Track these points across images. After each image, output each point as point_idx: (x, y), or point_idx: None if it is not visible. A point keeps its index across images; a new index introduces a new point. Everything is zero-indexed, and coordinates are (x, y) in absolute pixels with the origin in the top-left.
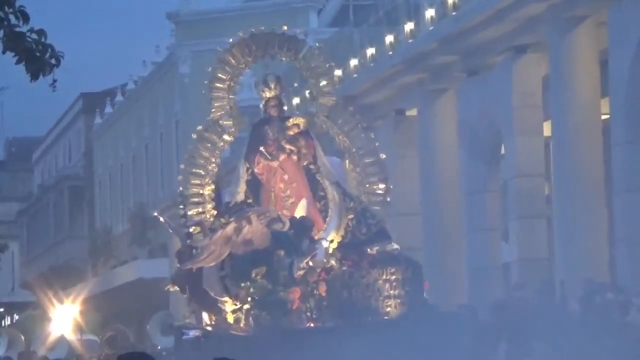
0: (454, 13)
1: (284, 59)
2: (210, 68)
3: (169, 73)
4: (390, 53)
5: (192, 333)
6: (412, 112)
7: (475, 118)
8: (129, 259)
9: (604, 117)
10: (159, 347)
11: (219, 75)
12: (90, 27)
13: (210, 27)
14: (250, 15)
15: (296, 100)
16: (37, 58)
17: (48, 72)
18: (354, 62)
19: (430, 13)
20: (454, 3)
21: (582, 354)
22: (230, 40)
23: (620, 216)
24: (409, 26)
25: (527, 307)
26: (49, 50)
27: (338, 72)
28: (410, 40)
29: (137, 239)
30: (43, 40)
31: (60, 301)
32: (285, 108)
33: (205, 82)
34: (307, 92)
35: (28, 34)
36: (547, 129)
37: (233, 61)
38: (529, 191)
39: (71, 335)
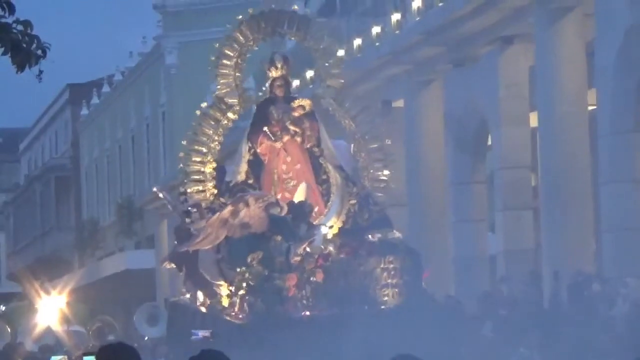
0: (440, 4)
1: (292, 38)
2: (213, 57)
3: (156, 64)
4: (377, 44)
5: (201, 334)
6: (399, 103)
7: (461, 109)
8: (116, 250)
9: (590, 108)
10: (145, 338)
11: (226, 51)
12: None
13: (197, 18)
14: (237, 7)
15: (296, 82)
16: (23, 49)
17: (34, 64)
18: (340, 52)
19: (417, 4)
20: None
21: (570, 346)
22: (240, 17)
23: (606, 207)
24: (395, 17)
25: (513, 299)
26: (35, 41)
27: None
28: (397, 32)
29: (124, 230)
30: (29, 31)
31: (47, 292)
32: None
33: (212, 58)
34: (307, 74)
35: (14, 25)
36: (533, 120)
37: (242, 38)
38: (515, 182)
39: (58, 327)
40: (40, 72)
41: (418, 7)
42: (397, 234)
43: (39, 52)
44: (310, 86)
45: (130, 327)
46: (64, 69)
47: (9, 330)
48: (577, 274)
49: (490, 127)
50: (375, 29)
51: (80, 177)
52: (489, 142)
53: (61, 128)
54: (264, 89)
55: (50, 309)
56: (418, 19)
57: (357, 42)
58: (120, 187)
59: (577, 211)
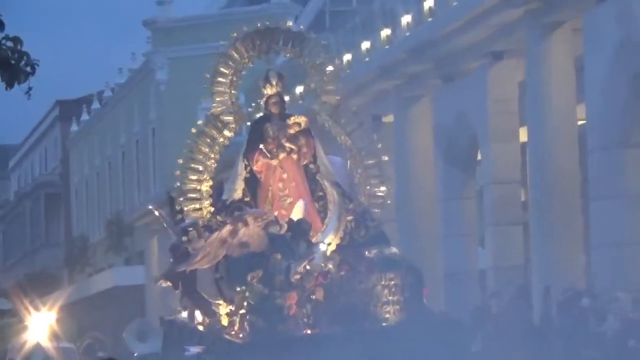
0: (429, 19)
1: (288, 55)
2: (212, 68)
3: (145, 80)
4: (367, 59)
5: (193, 350)
6: (389, 119)
7: (451, 124)
8: (106, 267)
9: (580, 123)
10: (135, 355)
11: (222, 69)
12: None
13: (187, 34)
14: (227, 22)
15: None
16: (12, 66)
17: (23, 80)
18: (330, 68)
19: (406, 19)
20: (430, 9)
21: None
22: (235, 34)
23: (596, 222)
24: (385, 32)
25: (503, 314)
26: (25, 58)
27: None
28: (386, 47)
29: (114, 247)
30: (18, 47)
31: (37, 309)
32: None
33: (208, 75)
34: (297, 90)
35: (3, 41)
36: (523, 135)
37: (236, 55)
38: (505, 197)
39: (47, 343)
40: (30, 88)
41: (407, 23)
42: (394, 250)
43: (28, 68)
44: (300, 102)
45: (120, 343)
46: (54, 85)
47: None
48: (567, 290)
49: (480, 142)
50: (365, 45)
51: (70, 193)
52: (479, 158)
53: (51, 145)
54: (253, 104)
55: (40, 325)
56: (407, 34)
57: (347, 57)
58: (110, 204)
59: (566, 226)
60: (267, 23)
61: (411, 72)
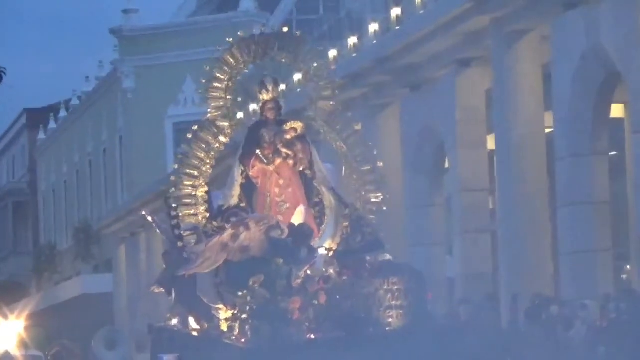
0: (396, 28)
1: (284, 60)
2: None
3: (113, 88)
4: (333, 67)
5: (167, 358)
6: (358, 127)
7: (418, 132)
8: (74, 275)
9: (547, 130)
10: None
11: (217, 74)
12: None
13: (154, 43)
14: (193, 31)
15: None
16: None
17: None
18: (297, 76)
19: (373, 27)
20: (397, 17)
21: None
22: (230, 39)
23: (564, 229)
24: (352, 40)
25: (470, 323)
26: None
27: (282, 86)
28: (353, 55)
29: (82, 255)
30: None
31: (5, 317)
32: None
33: (203, 80)
34: (295, 77)
35: None
36: (490, 143)
37: (232, 61)
38: (473, 205)
39: (16, 351)
40: None
41: (374, 31)
42: (388, 257)
43: None
44: (299, 89)
45: (89, 351)
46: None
47: None
48: (535, 297)
49: (448, 149)
50: (332, 53)
51: (38, 201)
52: (447, 165)
53: (18, 153)
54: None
55: (8, 333)
56: (374, 42)
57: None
58: (78, 212)
59: (534, 234)
60: (240, 33)
61: (378, 80)
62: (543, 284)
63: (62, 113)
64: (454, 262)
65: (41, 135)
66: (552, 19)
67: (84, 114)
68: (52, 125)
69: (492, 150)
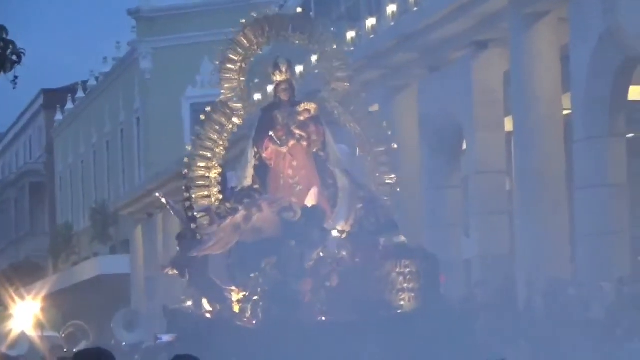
0: (415, 9)
1: (297, 41)
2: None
3: (130, 69)
4: (352, 49)
5: (166, 338)
6: (374, 108)
7: (436, 114)
8: (91, 256)
9: (565, 112)
10: (123, 344)
11: (230, 56)
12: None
13: (171, 24)
14: (211, 12)
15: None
16: None
17: (9, 69)
18: (314, 57)
19: (391, 9)
20: None
21: (546, 352)
22: (243, 21)
23: (581, 212)
24: (370, 22)
25: (487, 305)
26: (10, 46)
27: (300, 68)
28: (371, 36)
29: (99, 236)
30: (4, 36)
31: (22, 298)
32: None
33: (217, 62)
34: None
35: None
36: (508, 125)
37: (245, 42)
38: (490, 187)
39: (32, 332)
40: (15, 77)
41: (393, 12)
42: (403, 238)
43: (14, 57)
44: (316, 71)
45: (104, 332)
46: (39, 74)
47: None
48: (551, 279)
49: (465, 131)
50: (350, 34)
51: (55, 182)
52: (464, 147)
53: (35, 133)
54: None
55: (25, 314)
56: (392, 23)
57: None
58: (95, 193)
59: (552, 216)
60: (253, 14)
61: (396, 61)
62: (560, 266)
63: (80, 94)
64: (470, 243)
65: (58, 116)
66: (569, 0)
67: (101, 94)
68: (69, 106)
69: (509, 132)
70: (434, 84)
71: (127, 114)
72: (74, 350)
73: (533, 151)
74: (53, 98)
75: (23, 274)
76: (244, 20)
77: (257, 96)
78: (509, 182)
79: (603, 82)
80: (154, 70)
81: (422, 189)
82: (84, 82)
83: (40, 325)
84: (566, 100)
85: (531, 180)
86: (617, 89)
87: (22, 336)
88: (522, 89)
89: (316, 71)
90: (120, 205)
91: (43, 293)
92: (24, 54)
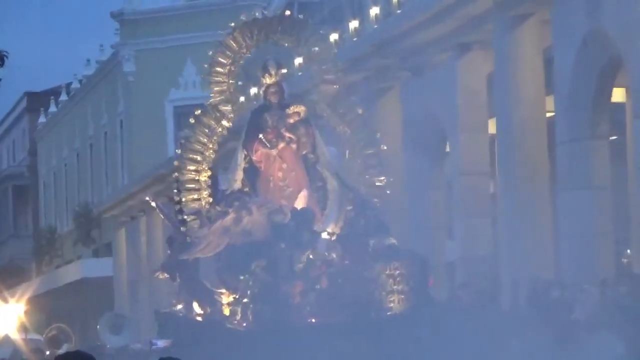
0: (398, 11)
1: (286, 44)
2: (210, 53)
3: (113, 72)
4: (335, 51)
5: (161, 343)
6: (359, 111)
7: (419, 116)
8: (74, 258)
9: (548, 114)
10: (107, 346)
11: (220, 59)
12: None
13: (154, 26)
14: (194, 14)
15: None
16: None
17: None
18: (298, 60)
19: (374, 11)
20: (398, 1)
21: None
22: (233, 23)
23: (565, 214)
24: (353, 24)
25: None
26: None
27: (284, 70)
28: (354, 39)
29: (82, 239)
30: None
31: (5, 300)
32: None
33: (205, 65)
34: (296, 62)
35: None
36: (492, 127)
37: (234, 45)
38: (473, 189)
39: (16, 335)
40: None
41: (376, 15)
42: (393, 240)
43: None
44: (300, 73)
45: (88, 335)
46: (22, 77)
47: None
48: (536, 280)
49: (449, 133)
50: (333, 36)
51: (39, 185)
52: (447, 149)
53: (19, 136)
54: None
55: (8, 317)
56: (376, 26)
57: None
58: (78, 195)
59: (535, 218)
60: (242, 16)
61: (379, 64)
62: (544, 267)
63: (63, 96)
64: (454, 245)
65: (42, 119)
66: (553, 2)
67: (84, 97)
68: (52, 108)
69: (493, 134)
70: (418, 86)
71: (110, 117)
72: (56, 353)
73: (516, 153)
74: (36, 101)
75: (6, 277)
76: (233, 24)
77: (242, 98)
78: (493, 184)
79: (586, 84)
80: (137, 72)
81: (405, 191)
82: (68, 85)
83: (24, 328)
84: (550, 102)
85: (515, 182)
86: (600, 91)
87: (6, 339)
88: (505, 90)
89: (299, 73)
90: (104, 208)
91: (26, 296)
92: (7, 57)
